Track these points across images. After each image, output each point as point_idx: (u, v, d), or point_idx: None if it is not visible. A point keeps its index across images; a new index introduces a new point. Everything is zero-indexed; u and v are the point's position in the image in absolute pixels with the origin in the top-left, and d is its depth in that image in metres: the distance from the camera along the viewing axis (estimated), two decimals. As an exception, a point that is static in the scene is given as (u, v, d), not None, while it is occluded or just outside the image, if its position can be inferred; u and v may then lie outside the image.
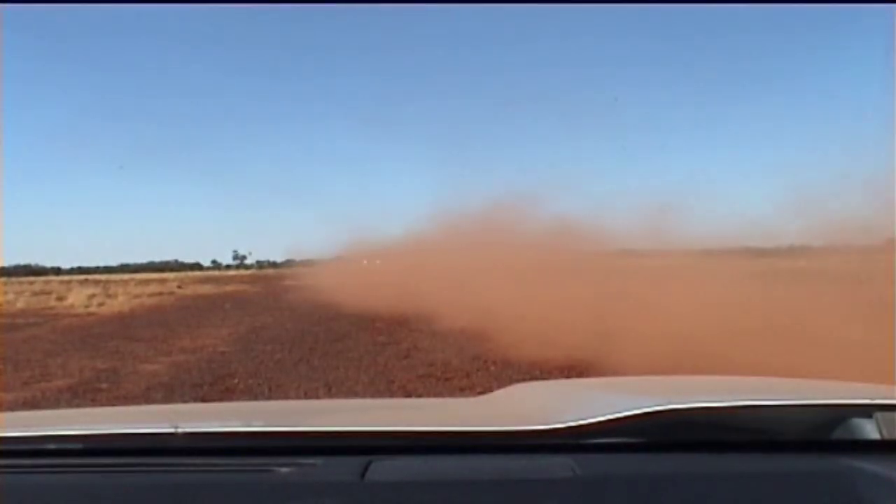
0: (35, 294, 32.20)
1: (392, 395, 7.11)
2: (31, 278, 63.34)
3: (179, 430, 1.16)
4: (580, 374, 7.50)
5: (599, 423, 1.13)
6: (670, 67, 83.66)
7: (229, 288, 38.81)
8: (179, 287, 40.04)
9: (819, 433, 1.20)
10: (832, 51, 73.79)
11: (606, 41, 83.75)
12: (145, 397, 7.40)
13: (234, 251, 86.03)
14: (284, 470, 1.09)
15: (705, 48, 79.00)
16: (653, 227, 18.99)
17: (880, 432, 1.15)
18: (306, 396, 7.09)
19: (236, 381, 8.24)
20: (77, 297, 27.83)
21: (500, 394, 1.68)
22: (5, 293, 31.63)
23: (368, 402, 3.72)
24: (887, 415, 1.16)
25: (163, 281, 47.82)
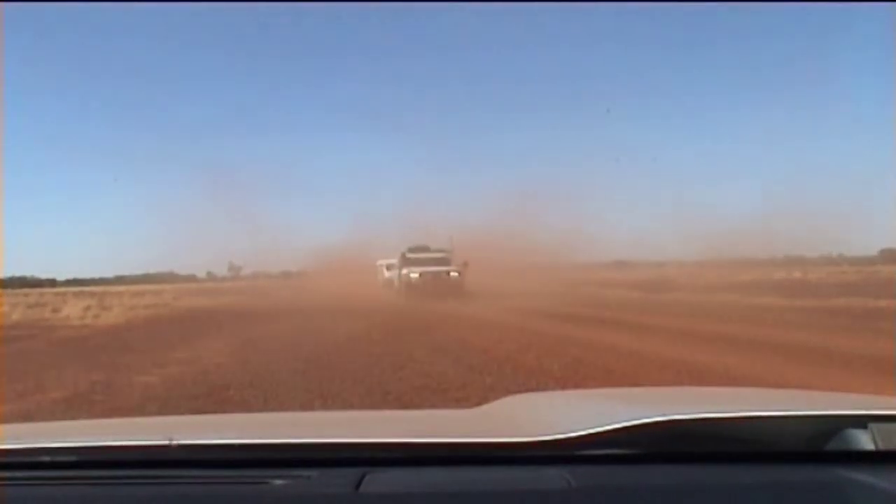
0: (30, 306, 32.05)
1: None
2: (27, 290, 62.91)
3: (174, 443, 1.15)
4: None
5: (594, 434, 1.13)
6: (665, 75, 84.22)
7: (225, 299, 38.70)
8: (175, 299, 39.98)
9: (814, 444, 1.20)
10: (829, 58, 74.36)
11: (600, 52, 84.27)
12: (140, 409, 7.36)
13: (230, 262, 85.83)
14: (279, 482, 1.09)
15: (700, 57, 79.53)
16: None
17: (875, 443, 1.15)
18: (302, 408, 7.06)
19: (231, 392, 8.20)
20: (72, 309, 27.74)
21: (495, 405, 1.67)
22: (0, 305, 31.48)
23: (363, 413, 3.71)
24: (882, 425, 1.16)
25: (158, 293, 47.65)
